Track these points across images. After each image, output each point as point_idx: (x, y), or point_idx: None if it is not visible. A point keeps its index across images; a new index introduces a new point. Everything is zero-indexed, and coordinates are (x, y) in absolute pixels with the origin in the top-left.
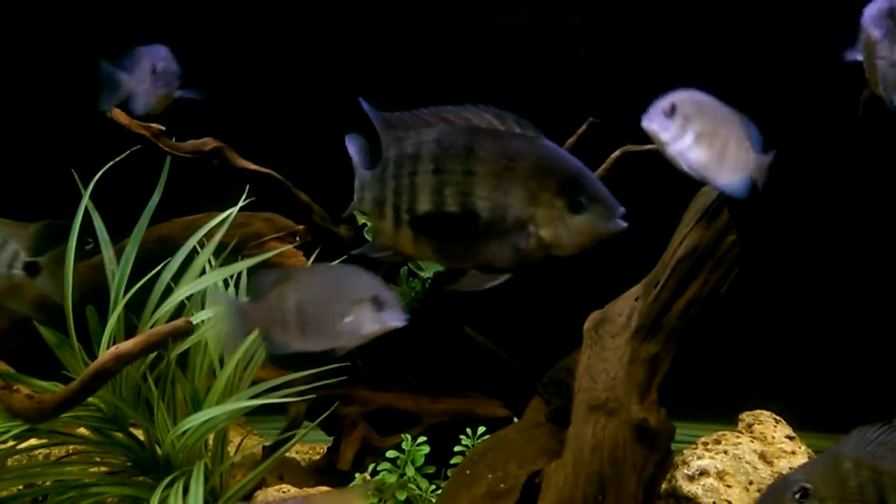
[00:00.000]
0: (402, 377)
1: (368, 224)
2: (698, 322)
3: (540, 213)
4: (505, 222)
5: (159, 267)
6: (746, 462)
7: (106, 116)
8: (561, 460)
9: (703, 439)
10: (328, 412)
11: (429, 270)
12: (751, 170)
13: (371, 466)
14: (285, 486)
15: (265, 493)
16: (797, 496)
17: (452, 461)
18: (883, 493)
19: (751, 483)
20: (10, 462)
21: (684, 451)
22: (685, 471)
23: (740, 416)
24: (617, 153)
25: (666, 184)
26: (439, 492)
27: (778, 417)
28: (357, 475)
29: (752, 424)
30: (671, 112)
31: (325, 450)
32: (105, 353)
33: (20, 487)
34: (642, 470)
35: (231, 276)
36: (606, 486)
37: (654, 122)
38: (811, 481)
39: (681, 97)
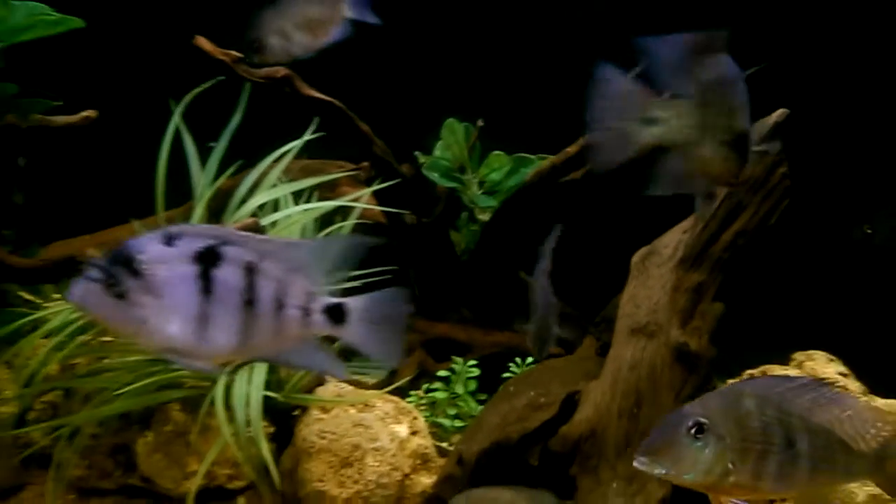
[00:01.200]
0: (458, 310)
1: (427, 163)
2: (747, 253)
3: None
4: None
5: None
6: None
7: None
8: (599, 378)
9: (748, 371)
10: None
11: (486, 214)
12: None
13: (425, 387)
14: (343, 384)
15: (325, 388)
16: (692, 431)
17: (500, 388)
18: (791, 436)
19: None
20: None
21: (728, 381)
22: None
23: (792, 356)
24: None
25: None
26: None
27: (833, 357)
28: (411, 393)
29: (804, 362)
30: None
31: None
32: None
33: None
34: (680, 390)
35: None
36: (642, 401)
37: None
38: (708, 416)
39: None
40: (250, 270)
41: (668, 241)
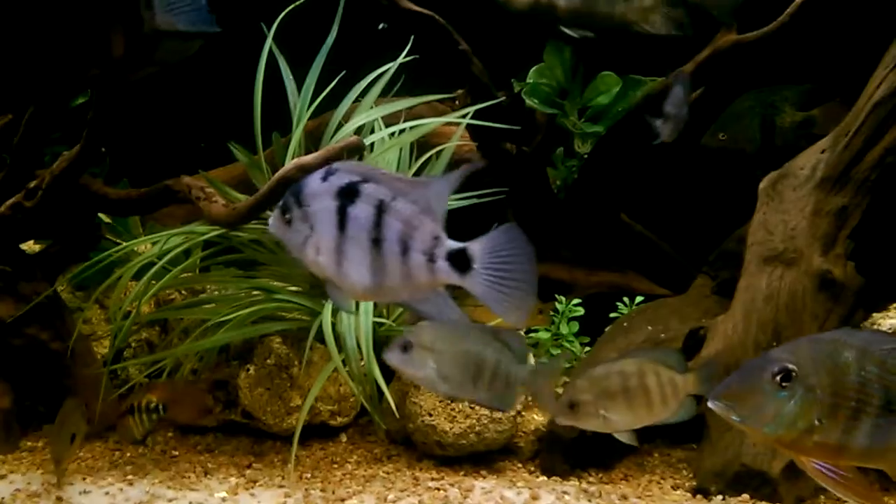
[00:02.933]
0: (556, 249)
1: (526, 88)
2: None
3: None
4: None
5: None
6: None
7: None
8: (729, 312)
9: (894, 305)
10: None
11: (585, 148)
12: None
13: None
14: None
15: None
16: (777, 378)
17: (609, 327)
18: (892, 398)
19: None
20: (213, 269)
21: (874, 315)
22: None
23: None
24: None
25: None
26: None
27: None
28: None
29: None
30: None
31: None
32: (289, 164)
33: (222, 289)
34: (824, 322)
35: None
36: (781, 333)
37: None
38: (798, 364)
39: None
40: (381, 209)
41: (803, 162)
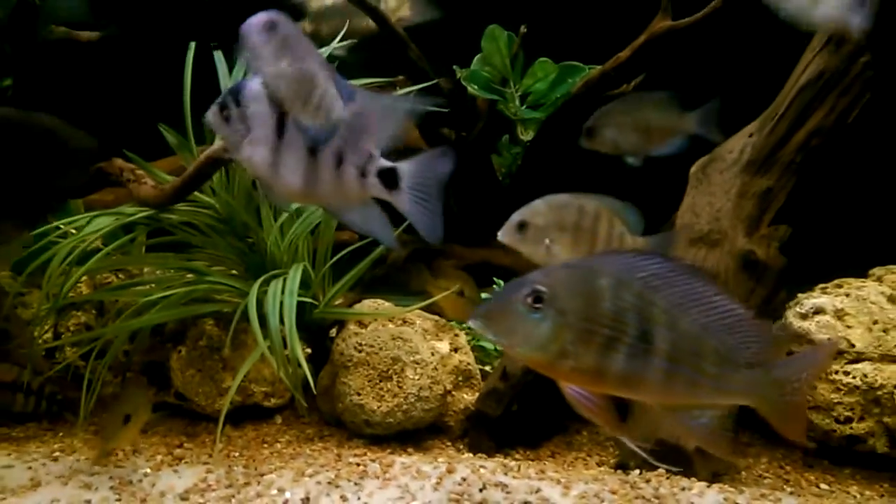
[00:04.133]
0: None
1: (465, 74)
2: (822, 155)
3: None
4: None
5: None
6: (871, 303)
7: None
8: None
9: (821, 285)
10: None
11: (528, 135)
12: None
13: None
14: (379, 300)
15: (361, 305)
16: (529, 299)
17: None
18: (648, 329)
19: (875, 323)
20: (144, 250)
21: (798, 295)
22: (797, 309)
23: (870, 272)
24: None
25: None
26: None
27: None
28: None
29: (883, 276)
30: None
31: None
32: (216, 144)
33: (155, 271)
34: (746, 300)
35: None
36: None
37: None
38: (551, 287)
39: None
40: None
41: (731, 146)
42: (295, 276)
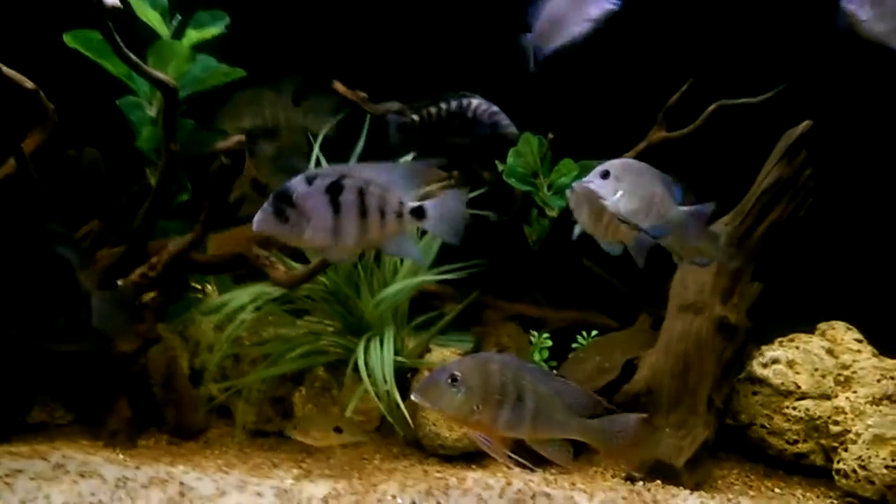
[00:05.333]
0: (532, 293)
1: (505, 170)
2: (778, 243)
3: None
4: None
5: None
6: (814, 355)
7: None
8: (655, 347)
9: (779, 339)
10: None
11: (553, 213)
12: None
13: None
14: (444, 351)
15: (431, 355)
16: (449, 381)
17: (570, 355)
18: (522, 395)
19: (816, 370)
20: (270, 318)
21: (762, 347)
22: (760, 359)
23: (818, 326)
24: (711, 108)
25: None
26: None
27: (850, 326)
28: None
29: (826, 331)
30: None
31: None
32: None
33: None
34: (721, 355)
35: None
36: (690, 364)
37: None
38: (462, 371)
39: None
40: (361, 192)
41: None
42: (389, 336)
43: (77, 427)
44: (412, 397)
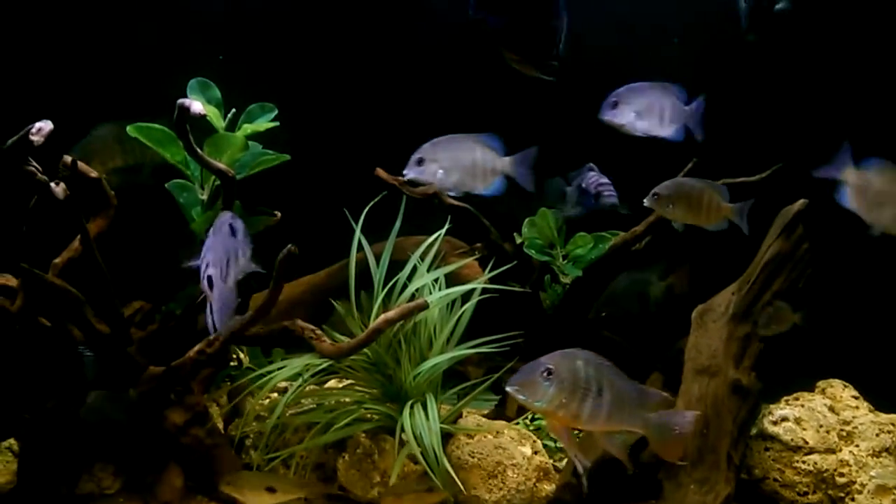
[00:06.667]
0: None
1: (526, 242)
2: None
3: None
4: None
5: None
6: (818, 412)
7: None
8: (675, 408)
9: (784, 398)
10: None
11: (569, 277)
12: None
13: (529, 416)
14: (477, 416)
15: (465, 419)
16: (544, 374)
17: None
18: (601, 388)
19: (821, 426)
20: (310, 388)
21: (770, 406)
22: (770, 418)
23: (817, 384)
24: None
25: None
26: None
27: (847, 384)
28: (518, 421)
29: (825, 389)
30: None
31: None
32: (378, 319)
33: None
34: (736, 415)
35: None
36: (709, 423)
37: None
38: (555, 365)
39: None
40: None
41: (720, 301)
42: (432, 403)
43: (125, 495)
44: (508, 389)
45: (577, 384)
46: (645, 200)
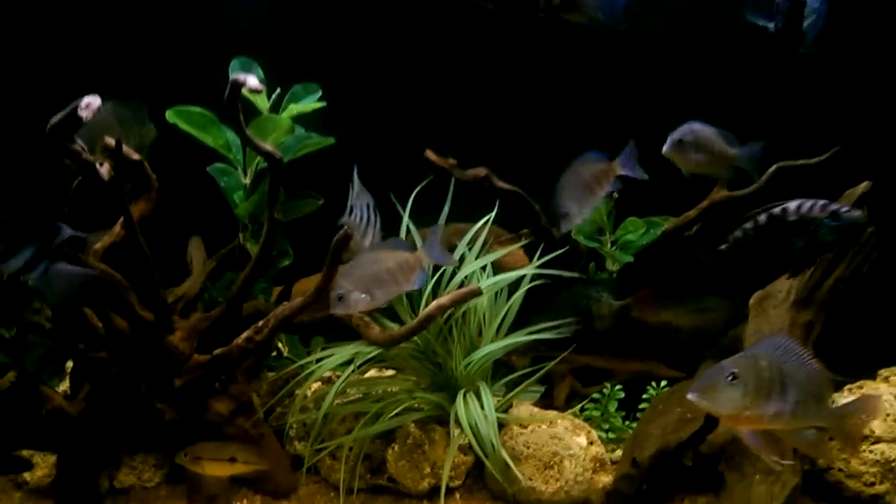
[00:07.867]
0: (594, 344)
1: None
2: (845, 295)
3: None
4: None
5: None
6: (884, 400)
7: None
8: None
9: (848, 386)
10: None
11: (615, 267)
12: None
13: (578, 407)
14: (529, 406)
15: (517, 409)
16: (729, 378)
17: (640, 406)
18: (784, 386)
19: (888, 415)
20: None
21: (834, 395)
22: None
23: (879, 372)
24: (773, 169)
25: None
26: (633, 425)
27: None
28: (568, 411)
29: (889, 377)
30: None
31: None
32: (430, 305)
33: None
34: None
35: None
36: None
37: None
38: (739, 369)
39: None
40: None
41: (780, 287)
42: (486, 392)
43: (166, 489)
44: (689, 398)
45: (761, 385)
46: (664, 148)
